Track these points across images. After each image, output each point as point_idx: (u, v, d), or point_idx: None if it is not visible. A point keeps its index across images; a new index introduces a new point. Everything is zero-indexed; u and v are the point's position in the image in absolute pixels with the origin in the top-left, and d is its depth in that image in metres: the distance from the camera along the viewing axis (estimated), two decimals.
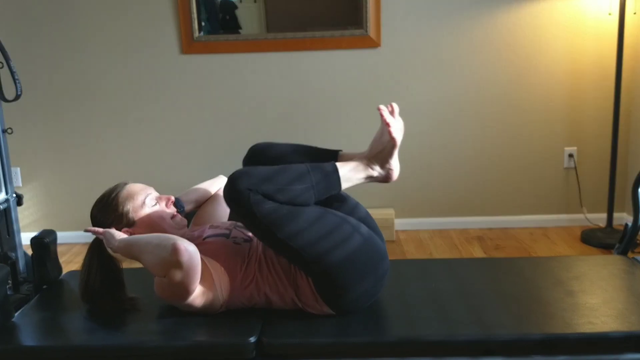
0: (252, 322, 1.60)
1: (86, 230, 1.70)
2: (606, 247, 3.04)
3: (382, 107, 1.64)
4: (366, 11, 3.19)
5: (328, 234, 1.59)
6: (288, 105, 3.35)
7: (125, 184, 1.76)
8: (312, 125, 3.35)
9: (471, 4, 3.21)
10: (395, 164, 1.70)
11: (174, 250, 1.48)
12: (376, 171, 1.69)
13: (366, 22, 3.21)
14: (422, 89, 3.31)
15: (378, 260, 1.65)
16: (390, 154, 1.67)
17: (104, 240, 1.67)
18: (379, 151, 1.68)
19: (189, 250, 1.49)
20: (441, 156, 3.39)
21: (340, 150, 1.77)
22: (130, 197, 1.71)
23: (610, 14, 3.11)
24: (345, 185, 1.66)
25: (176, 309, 1.66)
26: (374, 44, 3.24)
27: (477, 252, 3.09)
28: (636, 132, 3.25)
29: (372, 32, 3.22)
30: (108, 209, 1.70)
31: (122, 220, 1.69)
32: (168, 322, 1.64)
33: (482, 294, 1.76)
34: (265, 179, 1.55)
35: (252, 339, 1.52)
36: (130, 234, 1.69)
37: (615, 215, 3.24)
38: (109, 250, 1.68)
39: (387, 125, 1.62)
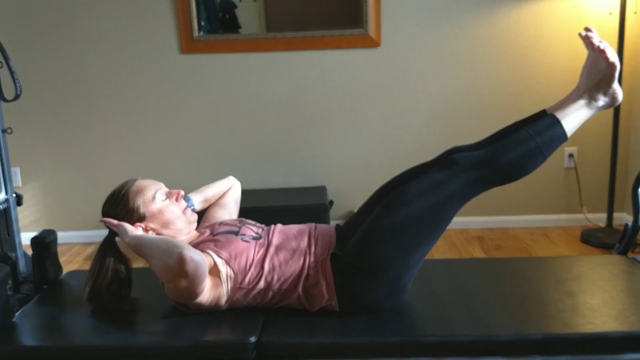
0: (252, 322, 1.60)
1: (101, 221, 1.70)
2: (606, 247, 3.04)
3: (589, 33, 1.59)
4: (366, 11, 3.19)
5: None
6: (288, 104, 3.35)
7: (135, 180, 1.76)
8: (312, 124, 3.35)
9: (471, 4, 3.20)
10: (617, 86, 1.67)
11: (180, 260, 1.48)
12: (601, 100, 1.68)
13: (366, 21, 3.20)
14: (422, 89, 3.30)
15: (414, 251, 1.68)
16: (612, 79, 1.65)
17: (118, 233, 1.67)
18: (599, 79, 1.66)
19: (195, 260, 1.50)
20: None
21: (544, 110, 1.73)
22: (140, 192, 1.72)
23: (610, 13, 3.11)
24: (572, 129, 1.67)
25: (176, 310, 1.66)
26: (374, 43, 3.24)
27: (477, 253, 3.09)
28: (636, 132, 3.25)
29: (372, 32, 3.22)
30: (119, 205, 1.70)
31: (134, 215, 1.69)
32: (168, 322, 1.64)
33: (482, 294, 1.76)
34: (481, 163, 1.68)
35: (253, 339, 1.52)
36: (143, 228, 1.70)
37: (615, 215, 3.24)
38: (123, 242, 1.67)
39: (602, 51, 1.59)
